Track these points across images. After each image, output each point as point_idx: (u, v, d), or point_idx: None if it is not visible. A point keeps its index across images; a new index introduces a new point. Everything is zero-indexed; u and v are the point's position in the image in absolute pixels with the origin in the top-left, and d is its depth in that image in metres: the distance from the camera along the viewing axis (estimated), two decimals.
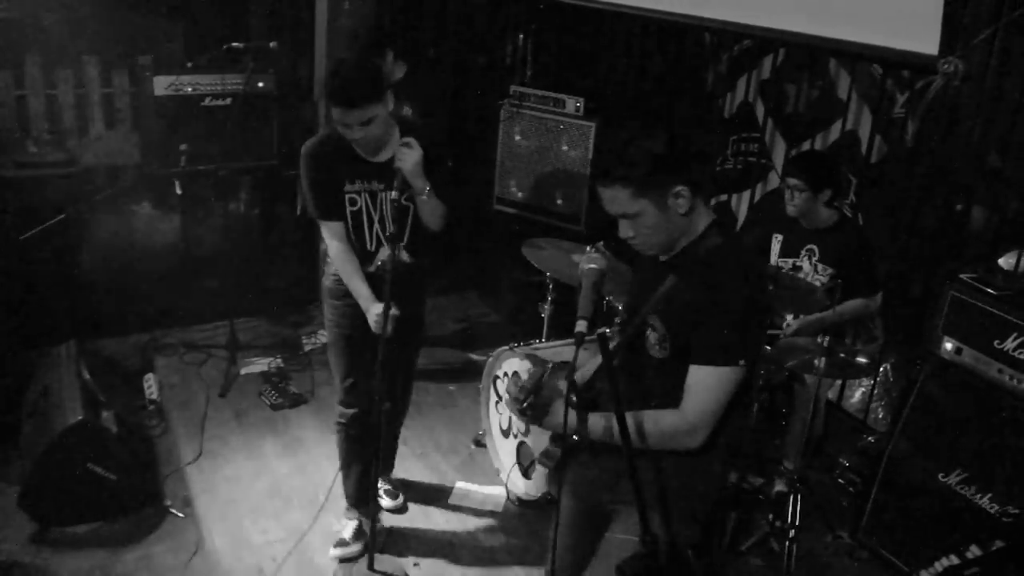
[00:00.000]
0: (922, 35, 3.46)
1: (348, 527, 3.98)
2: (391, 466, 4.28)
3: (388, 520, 4.12)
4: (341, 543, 3.92)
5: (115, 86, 5.86)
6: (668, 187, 2.31)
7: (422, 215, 3.55)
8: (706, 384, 2.30)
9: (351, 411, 3.79)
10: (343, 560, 3.88)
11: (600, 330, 2.21)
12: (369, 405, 3.65)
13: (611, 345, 2.25)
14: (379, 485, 4.01)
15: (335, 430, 3.88)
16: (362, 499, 3.92)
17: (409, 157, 3.35)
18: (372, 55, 3.53)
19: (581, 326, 2.22)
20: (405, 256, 3.61)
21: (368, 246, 3.61)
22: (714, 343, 2.29)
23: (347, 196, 3.53)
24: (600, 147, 5.48)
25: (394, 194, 3.39)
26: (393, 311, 3.34)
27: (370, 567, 3.70)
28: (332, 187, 3.52)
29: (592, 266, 2.42)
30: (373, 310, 3.46)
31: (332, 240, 3.58)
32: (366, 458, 3.80)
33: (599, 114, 5.63)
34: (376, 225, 3.59)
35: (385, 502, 4.19)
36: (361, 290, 3.53)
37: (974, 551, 2.53)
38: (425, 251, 3.69)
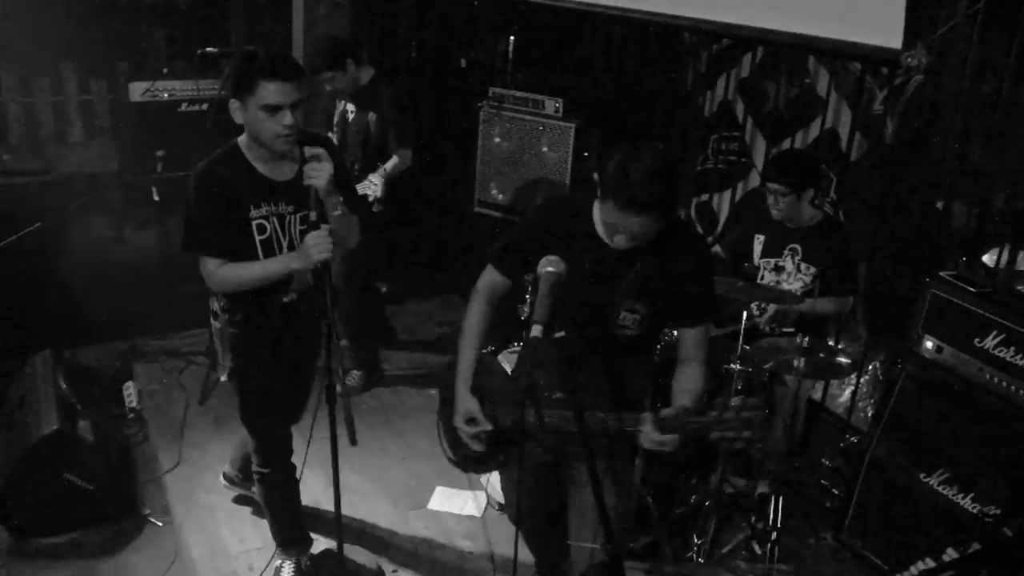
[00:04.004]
0: (886, 29, 3.46)
1: (286, 569, 3.74)
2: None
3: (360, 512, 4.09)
4: None
5: (94, 93, 5.83)
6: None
7: (335, 234, 3.04)
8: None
9: (265, 470, 3.56)
10: None
11: (558, 334, 2.17)
12: (283, 456, 3.54)
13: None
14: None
15: (255, 479, 3.64)
16: (294, 540, 3.76)
17: (322, 172, 2.94)
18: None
19: (536, 331, 2.18)
20: (309, 278, 3.20)
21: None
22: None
23: (255, 224, 3.10)
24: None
25: (313, 215, 2.95)
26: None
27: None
28: (236, 216, 3.07)
29: (550, 269, 2.36)
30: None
31: (215, 268, 3.12)
32: (290, 504, 3.69)
33: (579, 115, 5.60)
34: (287, 251, 3.18)
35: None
36: (268, 264, 3.12)
37: (950, 554, 2.51)
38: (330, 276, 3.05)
